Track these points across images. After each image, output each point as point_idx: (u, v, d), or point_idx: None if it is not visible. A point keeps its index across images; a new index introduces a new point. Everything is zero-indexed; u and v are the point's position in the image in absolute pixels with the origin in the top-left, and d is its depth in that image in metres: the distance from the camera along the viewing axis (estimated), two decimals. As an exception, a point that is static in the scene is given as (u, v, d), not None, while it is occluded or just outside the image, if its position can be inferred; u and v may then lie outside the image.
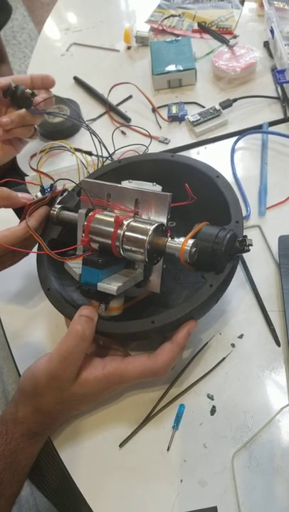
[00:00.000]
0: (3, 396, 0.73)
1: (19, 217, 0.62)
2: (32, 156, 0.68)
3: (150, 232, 0.51)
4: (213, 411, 0.55)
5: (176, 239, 0.51)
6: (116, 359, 0.52)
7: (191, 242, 0.50)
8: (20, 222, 0.60)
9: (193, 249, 0.50)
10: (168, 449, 0.53)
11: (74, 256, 0.56)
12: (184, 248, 0.50)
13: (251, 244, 0.51)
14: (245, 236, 0.51)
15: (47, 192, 0.61)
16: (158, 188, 0.60)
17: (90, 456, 0.54)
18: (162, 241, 0.52)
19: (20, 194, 0.61)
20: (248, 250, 0.51)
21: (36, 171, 0.62)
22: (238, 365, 0.58)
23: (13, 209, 0.62)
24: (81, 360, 0.50)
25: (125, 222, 0.52)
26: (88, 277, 0.52)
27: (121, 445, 0.54)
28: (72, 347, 0.49)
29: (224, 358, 0.58)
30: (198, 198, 0.55)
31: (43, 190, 0.62)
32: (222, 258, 0.50)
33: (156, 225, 0.52)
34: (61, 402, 0.51)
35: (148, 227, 0.52)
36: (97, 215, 0.54)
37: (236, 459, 0.51)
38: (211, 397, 0.56)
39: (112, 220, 0.53)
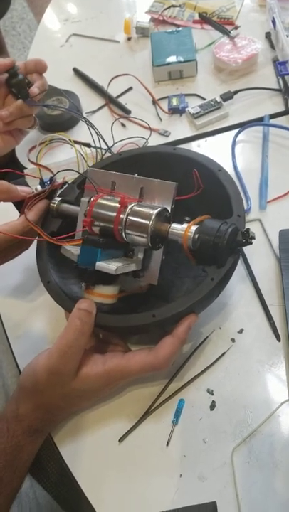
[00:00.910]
0: (2, 390, 0.73)
1: (19, 210, 0.62)
2: (31, 149, 0.67)
3: (154, 216, 0.51)
4: (212, 406, 0.55)
5: (178, 225, 0.51)
6: (117, 355, 0.52)
7: (194, 228, 0.50)
8: (20, 215, 0.60)
9: (196, 236, 0.50)
10: (167, 444, 0.53)
11: (72, 240, 0.56)
12: (187, 234, 0.50)
13: (254, 237, 0.50)
14: (248, 229, 0.50)
15: (46, 185, 0.61)
16: None
17: (89, 450, 0.54)
18: (165, 227, 0.52)
19: (19, 187, 0.60)
20: (251, 243, 0.50)
21: (35, 164, 0.62)
22: (238, 360, 0.57)
23: (12, 202, 0.61)
24: (81, 354, 0.50)
25: (129, 206, 0.52)
26: (87, 257, 0.51)
27: (120, 440, 0.54)
28: (71, 341, 0.49)
29: (224, 353, 0.58)
30: (200, 191, 0.55)
31: (42, 183, 0.61)
32: (223, 252, 0.50)
33: (159, 209, 0.52)
34: (62, 398, 0.51)
35: (151, 211, 0.51)
36: (99, 200, 0.54)
37: (236, 454, 0.51)
38: (210, 392, 0.56)
39: (115, 204, 0.52)
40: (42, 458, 0.72)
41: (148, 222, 0.51)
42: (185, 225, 0.51)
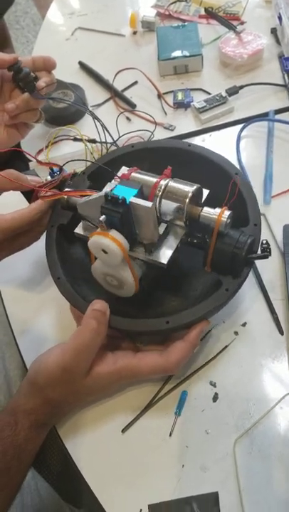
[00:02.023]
0: (5, 382, 0.74)
1: (28, 200, 0.62)
2: (39, 152, 0.68)
3: (194, 187, 0.50)
4: (215, 398, 0.55)
5: (210, 209, 0.50)
6: (127, 354, 0.52)
7: (227, 213, 0.49)
8: (29, 204, 0.60)
9: (229, 220, 0.49)
10: (170, 435, 0.53)
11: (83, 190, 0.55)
12: (220, 219, 0.49)
13: (270, 251, 0.50)
14: (267, 242, 0.50)
15: (56, 175, 0.61)
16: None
17: (92, 441, 0.54)
18: (196, 209, 0.51)
19: (29, 177, 0.60)
20: (267, 257, 0.50)
21: (44, 163, 0.62)
22: (240, 353, 0.58)
23: (22, 192, 0.61)
24: (94, 354, 0.50)
25: (162, 183, 0.51)
26: (121, 192, 0.49)
27: (123, 430, 0.54)
28: (87, 340, 0.49)
29: (227, 346, 0.58)
30: (214, 193, 0.54)
31: (52, 173, 0.61)
32: (240, 262, 0.50)
33: (198, 185, 0.51)
34: (72, 394, 0.51)
35: (190, 185, 0.51)
36: (133, 174, 0.53)
37: (238, 446, 0.52)
38: (213, 385, 0.56)
39: (151, 179, 0.52)
40: (43, 449, 0.72)
41: (189, 189, 0.50)
42: (218, 210, 0.50)
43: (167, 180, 0.52)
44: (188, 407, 0.55)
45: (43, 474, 0.73)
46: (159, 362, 0.51)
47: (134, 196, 0.49)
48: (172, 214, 0.51)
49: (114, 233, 0.48)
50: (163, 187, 0.51)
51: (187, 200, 0.50)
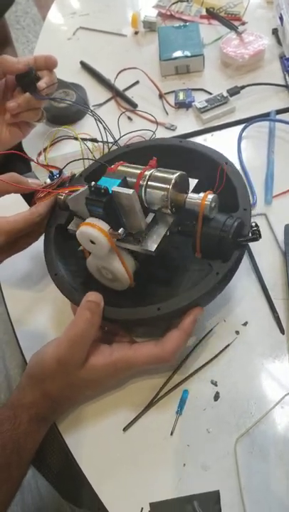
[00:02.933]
0: (5, 380, 0.74)
1: (28, 202, 0.62)
2: (39, 154, 0.68)
3: (177, 173, 0.51)
4: (216, 397, 0.55)
5: (195, 194, 0.51)
6: (123, 346, 0.52)
7: (211, 196, 0.50)
8: (30, 207, 0.60)
9: (213, 204, 0.50)
10: (171, 434, 0.53)
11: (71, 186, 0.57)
12: (204, 203, 0.50)
13: (260, 234, 0.51)
14: (256, 224, 0.51)
15: (56, 178, 0.61)
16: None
17: (94, 439, 0.55)
18: (181, 197, 0.52)
19: (30, 180, 0.61)
20: (258, 239, 0.50)
21: (44, 166, 0.63)
22: (242, 352, 0.58)
23: (21, 195, 0.62)
24: (89, 344, 0.50)
25: (147, 173, 0.52)
26: (105, 183, 0.51)
27: (125, 429, 0.54)
28: (81, 331, 0.49)
29: (228, 345, 0.58)
30: (206, 184, 0.55)
31: (51, 176, 0.62)
32: (229, 246, 0.50)
33: (181, 172, 0.52)
34: (68, 386, 0.51)
35: (174, 172, 0.52)
36: (120, 167, 0.54)
37: (239, 445, 0.52)
38: (214, 384, 0.56)
39: (136, 171, 0.53)
40: (43, 448, 0.73)
41: (172, 176, 0.51)
42: (201, 194, 0.51)
43: (152, 170, 0.52)
44: (190, 406, 0.55)
45: (43, 473, 0.73)
46: (154, 351, 0.51)
47: (118, 186, 0.50)
48: (158, 203, 0.52)
49: (99, 223, 0.50)
50: (148, 177, 0.52)
51: (170, 187, 0.50)
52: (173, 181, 0.51)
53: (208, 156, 0.60)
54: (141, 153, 0.64)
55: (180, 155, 0.62)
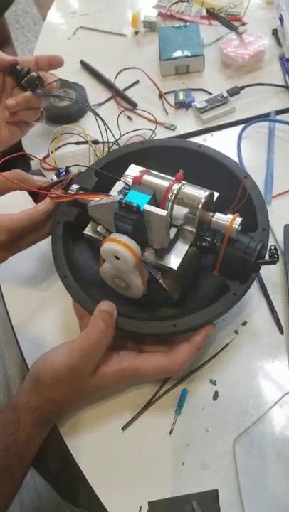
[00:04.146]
0: (4, 380, 0.73)
1: (34, 199, 0.62)
2: (44, 158, 0.68)
3: (207, 192, 0.50)
4: (215, 396, 0.55)
5: (222, 215, 0.50)
6: (132, 354, 0.52)
7: (239, 220, 0.49)
8: (36, 205, 0.60)
9: (240, 228, 0.49)
10: (170, 433, 0.53)
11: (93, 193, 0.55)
12: (232, 226, 0.49)
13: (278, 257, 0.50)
14: (275, 247, 0.50)
15: (62, 175, 0.61)
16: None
17: (93, 439, 0.55)
18: (208, 215, 0.51)
19: (36, 177, 0.60)
20: (275, 263, 0.50)
21: (49, 169, 0.62)
22: (241, 352, 0.58)
23: (28, 192, 0.62)
24: (101, 354, 0.50)
25: (175, 188, 0.51)
26: (134, 199, 0.48)
27: (124, 428, 0.54)
28: (94, 341, 0.49)
29: (227, 345, 0.58)
30: (222, 196, 0.54)
31: (58, 173, 0.61)
32: (250, 268, 0.50)
33: (208, 192, 0.51)
34: (76, 393, 0.52)
35: (203, 190, 0.51)
36: (145, 177, 0.52)
37: (238, 444, 0.52)
38: (213, 383, 0.56)
39: (163, 184, 0.51)
40: (42, 448, 0.73)
41: (201, 195, 0.50)
42: (229, 216, 0.50)
43: (180, 185, 0.51)
44: (189, 405, 0.55)
45: (41, 473, 0.73)
46: (163, 363, 0.51)
47: (148, 203, 0.48)
48: (183, 219, 0.51)
49: (127, 240, 0.49)
50: (175, 192, 0.51)
51: (200, 206, 0.50)
52: (203, 200, 0.50)
53: (226, 166, 0.59)
54: (152, 152, 0.64)
55: (195, 160, 0.61)
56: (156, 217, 0.48)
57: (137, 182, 0.52)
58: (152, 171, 0.54)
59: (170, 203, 0.51)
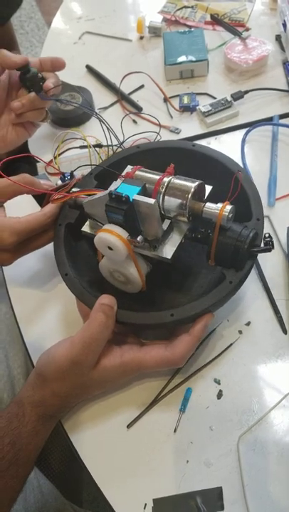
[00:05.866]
0: (8, 380, 0.74)
1: (39, 203, 0.63)
2: (49, 162, 0.69)
3: (196, 183, 0.51)
4: (219, 395, 0.56)
5: (213, 204, 0.51)
6: (133, 348, 0.53)
7: (229, 207, 0.50)
8: (42, 208, 0.61)
9: (230, 215, 0.50)
10: (175, 431, 0.54)
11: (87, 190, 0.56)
12: (222, 213, 0.50)
13: (273, 245, 0.51)
14: (269, 235, 0.51)
15: (67, 179, 0.62)
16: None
17: (98, 436, 0.55)
18: (199, 205, 0.52)
19: (42, 181, 0.61)
20: (270, 250, 0.51)
21: (54, 174, 0.63)
22: (244, 352, 0.59)
23: (33, 196, 0.63)
24: (102, 347, 0.51)
25: (166, 180, 0.52)
26: (124, 190, 0.50)
27: (129, 426, 0.55)
28: (95, 334, 0.50)
29: (231, 344, 0.59)
30: (218, 191, 0.55)
31: (63, 177, 0.62)
32: (243, 256, 0.51)
33: (197, 182, 0.52)
34: (79, 387, 0.52)
35: (193, 181, 0.52)
36: (137, 172, 0.54)
37: (242, 442, 0.52)
38: (217, 382, 0.57)
39: (154, 177, 0.53)
40: (45, 447, 0.73)
41: (191, 185, 0.51)
42: (219, 205, 0.51)
43: (170, 178, 0.53)
44: (193, 403, 0.56)
45: (44, 472, 0.73)
46: (164, 355, 0.52)
47: (138, 194, 0.50)
48: (176, 210, 0.52)
49: (119, 230, 0.50)
50: (166, 184, 0.52)
51: (189, 196, 0.51)
52: (192, 190, 0.51)
53: (221, 162, 0.60)
54: (149, 154, 0.65)
55: (190, 159, 0.62)
56: (145, 206, 0.50)
57: (129, 177, 0.54)
58: (144, 168, 0.55)
59: (161, 195, 0.52)
